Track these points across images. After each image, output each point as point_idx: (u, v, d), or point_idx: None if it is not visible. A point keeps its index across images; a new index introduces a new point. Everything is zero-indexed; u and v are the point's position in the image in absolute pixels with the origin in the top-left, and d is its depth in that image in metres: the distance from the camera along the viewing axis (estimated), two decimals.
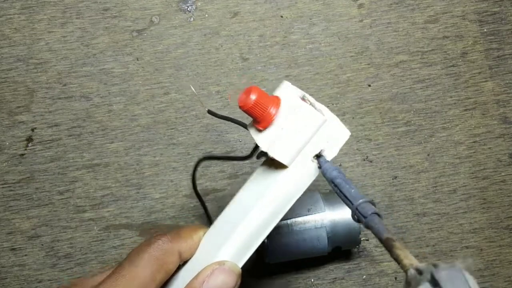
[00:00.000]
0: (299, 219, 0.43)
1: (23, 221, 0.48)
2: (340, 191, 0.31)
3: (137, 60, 0.50)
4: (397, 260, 0.25)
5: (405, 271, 0.24)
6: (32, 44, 0.50)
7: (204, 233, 0.35)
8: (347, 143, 0.50)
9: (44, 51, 0.50)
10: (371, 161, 0.50)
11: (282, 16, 0.51)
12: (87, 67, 0.50)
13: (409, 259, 0.25)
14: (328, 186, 0.49)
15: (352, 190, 0.30)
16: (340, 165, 0.50)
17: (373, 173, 0.50)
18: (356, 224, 0.44)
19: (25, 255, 0.48)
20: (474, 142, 0.50)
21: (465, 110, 0.51)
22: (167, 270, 0.33)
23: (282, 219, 0.43)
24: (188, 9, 0.51)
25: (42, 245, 0.48)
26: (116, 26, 0.50)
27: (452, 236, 0.49)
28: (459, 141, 0.50)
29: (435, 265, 0.23)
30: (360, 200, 0.29)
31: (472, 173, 0.50)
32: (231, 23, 0.51)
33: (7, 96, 0.49)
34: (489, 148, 0.50)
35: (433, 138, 0.50)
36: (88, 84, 0.50)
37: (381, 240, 0.27)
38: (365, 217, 0.28)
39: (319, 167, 0.33)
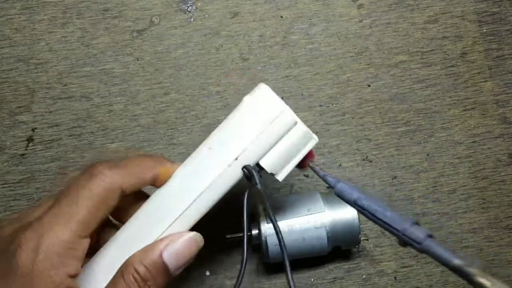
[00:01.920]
0: (299, 219, 0.43)
1: None
2: (373, 215, 0.27)
3: (137, 60, 0.50)
4: None
5: None
6: (33, 45, 0.50)
7: (154, 173, 0.34)
8: (347, 143, 0.50)
9: (44, 51, 0.50)
10: (370, 161, 0.50)
11: (282, 16, 0.51)
12: (88, 67, 0.50)
13: None
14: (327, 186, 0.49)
15: (388, 213, 0.27)
16: (340, 165, 0.50)
17: (373, 173, 0.50)
18: (356, 224, 0.44)
19: None
20: (473, 142, 0.51)
21: (465, 110, 0.51)
22: (109, 206, 0.32)
23: (282, 219, 0.43)
24: (188, 9, 0.51)
25: None
26: (116, 26, 0.50)
27: (451, 236, 0.49)
28: (459, 141, 0.50)
29: None
30: (407, 225, 0.25)
31: (472, 173, 0.50)
32: (231, 23, 0.51)
33: (8, 96, 0.49)
34: (489, 148, 0.50)
35: (433, 138, 0.50)
36: (88, 84, 0.50)
37: (451, 268, 0.23)
38: (418, 243, 0.25)
39: (330, 187, 0.31)
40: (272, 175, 0.36)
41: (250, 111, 0.35)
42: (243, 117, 0.35)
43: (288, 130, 0.35)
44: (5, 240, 0.32)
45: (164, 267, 0.32)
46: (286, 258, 0.32)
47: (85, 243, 0.32)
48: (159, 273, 0.32)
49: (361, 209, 0.28)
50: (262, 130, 0.35)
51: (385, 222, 0.27)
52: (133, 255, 0.32)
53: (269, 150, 0.35)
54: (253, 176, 0.34)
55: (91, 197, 0.31)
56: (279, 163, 0.35)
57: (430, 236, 0.25)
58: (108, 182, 0.32)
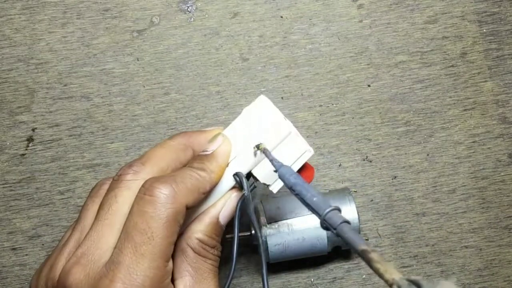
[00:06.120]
0: (299, 219, 0.43)
1: (23, 221, 0.48)
2: (303, 199, 0.30)
3: (138, 60, 0.50)
4: (378, 273, 0.24)
5: (390, 286, 0.24)
6: (33, 45, 0.50)
7: (211, 185, 0.35)
8: (347, 143, 0.50)
9: (44, 52, 0.50)
10: (370, 161, 0.50)
11: (282, 17, 0.51)
12: (88, 68, 0.50)
13: (390, 273, 0.24)
14: (327, 186, 0.49)
15: (315, 198, 0.29)
16: (340, 165, 0.50)
17: (373, 173, 0.50)
18: (356, 224, 0.44)
19: (26, 254, 0.48)
20: (473, 142, 0.51)
21: (465, 110, 0.51)
22: (180, 226, 0.32)
23: (282, 219, 0.43)
24: (188, 9, 0.51)
25: (43, 244, 0.48)
26: (116, 26, 0.50)
27: (451, 235, 0.49)
28: (459, 141, 0.50)
29: (418, 284, 0.22)
30: (327, 210, 0.28)
31: (472, 173, 0.50)
32: (231, 23, 0.51)
33: (8, 96, 0.49)
34: (489, 148, 0.51)
35: (433, 138, 0.50)
36: (88, 84, 0.50)
37: (356, 251, 0.26)
38: (334, 228, 0.27)
39: (275, 171, 0.33)
40: (266, 186, 0.37)
41: (245, 120, 0.36)
42: (238, 126, 0.37)
43: (282, 141, 0.36)
44: None
45: (222, 228, 0.35)
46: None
47: (170, 266, 0.32)
48: (219, 235, 0.35)
49: (295, 194, 0.31)
50: (253, 138, 0.36)
51: (312, 208, 0.29)
52: (192, 228, 0.34)
53: (261, 159, 0.36)
54: (242, 182, 0.35)
55: (164, 226, 0.30)
56: (272, 173, 0.35)
57: (346, 221, 0.27)
58: (176, 205, 0.31)
